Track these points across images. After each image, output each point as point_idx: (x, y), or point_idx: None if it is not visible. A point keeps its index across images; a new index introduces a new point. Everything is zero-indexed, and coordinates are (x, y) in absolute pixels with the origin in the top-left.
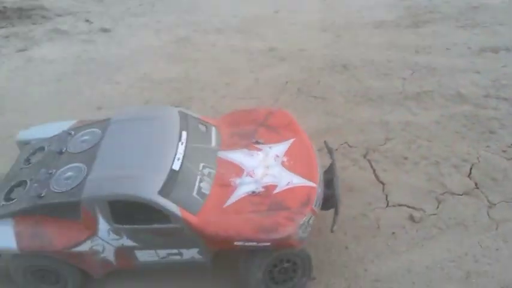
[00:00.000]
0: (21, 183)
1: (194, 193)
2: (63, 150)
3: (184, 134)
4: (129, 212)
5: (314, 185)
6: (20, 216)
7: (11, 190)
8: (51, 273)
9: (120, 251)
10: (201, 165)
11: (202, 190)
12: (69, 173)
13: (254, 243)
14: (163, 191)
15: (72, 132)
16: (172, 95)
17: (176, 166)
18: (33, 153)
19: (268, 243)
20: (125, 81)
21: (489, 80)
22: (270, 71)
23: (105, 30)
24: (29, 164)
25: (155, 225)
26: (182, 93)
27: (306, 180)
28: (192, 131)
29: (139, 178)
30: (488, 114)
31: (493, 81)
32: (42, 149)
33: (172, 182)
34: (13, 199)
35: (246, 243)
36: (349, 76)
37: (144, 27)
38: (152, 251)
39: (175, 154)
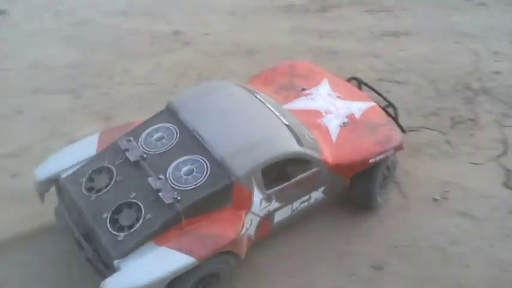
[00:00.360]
0: (124, 208)
1: (309, 139)
2: (143, 156)
3: (259, 96)
4: (275, 173)
5: (374, 103)
6: (161, 233)
7: (112, 218)
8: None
9: (263, 220)
10: (289, 116)
11: (310, 135)
12: (185, 168)
13: (382, 155)
14: (299, 142)
15: (131, 139)
16: (63, 82)
17: (285, 121)
18: (91, 180)
19: (392, 151)
20: (14, 68)
21: (386, 64)
22: (173, 56)
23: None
24: (99, 191)
25: (300, 176)
26: (75, 80)
27: (367, 102)
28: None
29: (275, 138)
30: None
31: (390, 65)
32: (99, 171)
33: (295, 134)
34: (131, 225)
35: (377, 157)
36: (252, 61)
37: (43, 9)
38: (288, 207)
39: (274, 112)
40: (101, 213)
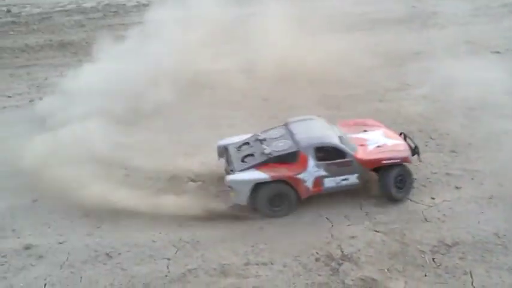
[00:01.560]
0: (248, 156)
1: (351, 144)
2: (265, 139)
3: (331, 125)
4: (324, 154)
5: (404, 142)
6: (259, 166)
7: (243, 159)
8: (281, 197)
9: (316, 180)
10: (349, 138)
11: (354, 146)
12: (280, 144)
13: (392, 160)
14: (340, 142)
15: (260, 135)
16: None
17: (339, 135)
18: (240, 147)
19: (399, 160)
20: None
21: None
22: (27, 274)
23: None
24: (240, 150)
25: (338, 160)
26: None
27: (400, 141)
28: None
29: (327, 136)
30: None
31: None
32: (247, 143)
33: (341, 139)
34: (246, 162)
35: (388, 161)
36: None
37: None
38: (333, 178)
39: (334, 130)
40: (239, 158)
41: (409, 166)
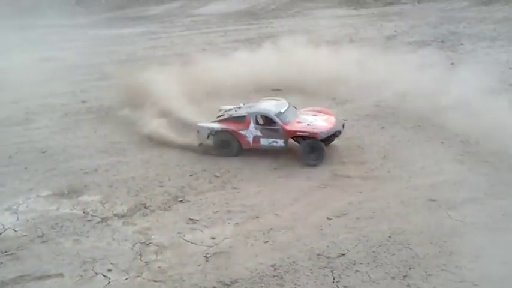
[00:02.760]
0: (222, 116)
1: (285, 120)
2: (240, 107)
3: (288, 106)
4: (263, 121)
5: (328, 126)
6: (221, 121)
7: (218, 117)
8: (227, 143)
9: (255, 138)
10: (292, 115)
11: (289, 120)
12: (242, 110)
13: (304, 133)
14: (276, 115)
15: (241, 105)
16: None
17: (282, 111)
18: (227, 110)
19: (308, 134)
20: None
21: None
22: None
23: None
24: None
25: (270, 126)
26: None
27: (329, 125)
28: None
29: (267, 110)
30: None
31: None
32: (231, 109)
33: (278, 115)
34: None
35: (301, 133)
36: None
37: None
38: (266, 139)
39: (285, 107)
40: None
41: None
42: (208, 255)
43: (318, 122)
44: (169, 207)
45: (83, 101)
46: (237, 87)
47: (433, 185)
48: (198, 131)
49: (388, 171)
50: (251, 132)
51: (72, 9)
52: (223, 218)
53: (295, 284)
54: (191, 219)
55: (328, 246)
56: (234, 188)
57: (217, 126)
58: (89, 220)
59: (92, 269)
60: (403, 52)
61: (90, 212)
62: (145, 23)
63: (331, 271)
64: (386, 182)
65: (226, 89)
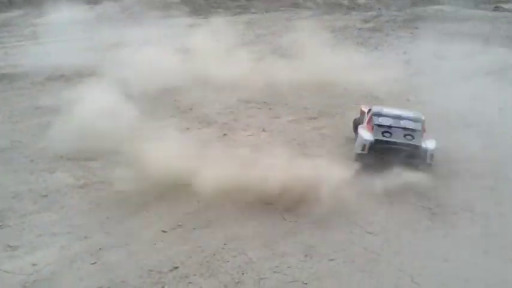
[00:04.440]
0: None
1: None
2: None
3: None
4: None
5: None
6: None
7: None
8: None
9: None
10: None
11: None
12: None
13: None
14: None
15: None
16: None
17: None
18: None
19: None
20: None
21: None
22: None
23: None
24: None
25: None
26: None
27: None
28: None
29: None
30: None
31: None
32: None
33: None
34: None
35: None
36: None
37: None
38: None
39: None
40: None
41: None
42: (27, 285)
43: None
44: None
45: None
46: None
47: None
48: None
49: None
50: None
51: None
52: (47, 241)
53: None
54: (10, 246)
55: (161, 261)
56: (62, 207)
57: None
58: None
59: None
60: (248, 60)
61: None
62: None
63: (163, 287)
64: None
65: None
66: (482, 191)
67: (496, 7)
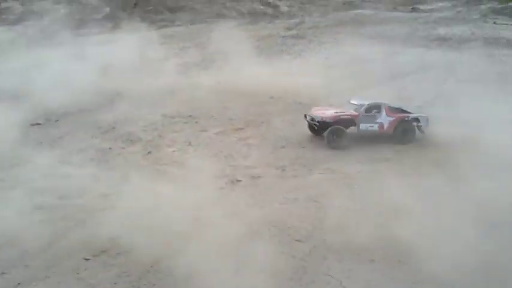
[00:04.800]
0: None
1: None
2: None
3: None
4: None
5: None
6: None
7: None
8: None
9: None
10: None
11: None
12: None
13: None
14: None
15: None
16: None
17: None
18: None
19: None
20: None
21: None
22: None
23: None
24: None
25: None
26: None
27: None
28: None
29: None
30: None
31: None
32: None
33: None
34: None
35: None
36: None
37: None
38: None
39: None
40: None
41: None
42: None
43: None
44: None
45: None
46: None
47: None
48: None
49: None
50: None
51: None
52: None
53: None
54: None
55: None
56: None
57: None
58: None
59: None
60: (172, 74)
61: None
62: None
63: None
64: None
65: None
66: None
67: (413, 8)
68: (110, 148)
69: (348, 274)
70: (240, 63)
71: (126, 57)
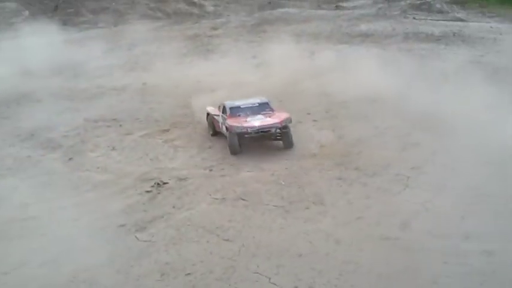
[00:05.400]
0: None
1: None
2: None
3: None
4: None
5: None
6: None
7: None
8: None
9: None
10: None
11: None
12: None
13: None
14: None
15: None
16: None
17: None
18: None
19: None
20: None
21: None
22: None
23: None
24: None
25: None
26: None
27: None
28: None
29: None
30: None
31: None
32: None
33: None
34: None
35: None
36: None
37: None
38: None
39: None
40: None
41: None
42: None
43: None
44: None
45: None
46: None
47: (122, 209)
48: None
49: None
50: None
51: None
52: None
53: None
54: None
55: None
56: None
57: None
58: None
59: None
60: (94, 77)
61: None
62: None
63: None
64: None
65: None
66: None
67: (336, 6)
68: (29, 156)
69: (276, 270)
70: (166, 64)
71: (47, 61)
